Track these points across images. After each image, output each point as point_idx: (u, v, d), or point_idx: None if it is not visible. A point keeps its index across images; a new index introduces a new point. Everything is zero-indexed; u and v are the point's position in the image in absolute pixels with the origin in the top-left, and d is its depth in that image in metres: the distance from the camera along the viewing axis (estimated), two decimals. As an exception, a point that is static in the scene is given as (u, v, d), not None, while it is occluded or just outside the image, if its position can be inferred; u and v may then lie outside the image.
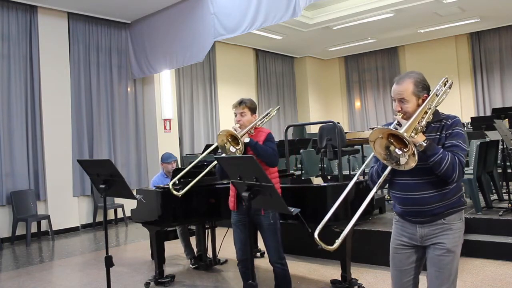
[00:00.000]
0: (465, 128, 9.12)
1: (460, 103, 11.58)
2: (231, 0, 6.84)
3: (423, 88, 2.17)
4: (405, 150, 1.95)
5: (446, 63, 11.61)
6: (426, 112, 2.10)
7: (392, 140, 1.99)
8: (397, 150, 1.99)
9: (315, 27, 10.01)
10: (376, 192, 2.24)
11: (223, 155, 3.23)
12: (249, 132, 3.26)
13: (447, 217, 2.16)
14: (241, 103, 3.34)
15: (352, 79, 13.66)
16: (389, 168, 2.12)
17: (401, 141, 1.96)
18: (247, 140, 3.18)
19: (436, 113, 2.19)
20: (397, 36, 11.36)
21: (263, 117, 3.65)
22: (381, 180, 2.16)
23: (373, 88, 13.17)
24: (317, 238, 2.00)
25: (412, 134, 2.00)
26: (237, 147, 3.14)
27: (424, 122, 2.09)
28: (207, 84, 10.62)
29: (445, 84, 2.29)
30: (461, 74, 11.68)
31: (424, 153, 2.04)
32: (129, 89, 8.82)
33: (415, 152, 1.91)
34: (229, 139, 3.18)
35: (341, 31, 10.48)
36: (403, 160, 1.96)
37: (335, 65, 13.97)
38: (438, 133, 2.15)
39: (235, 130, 3.23)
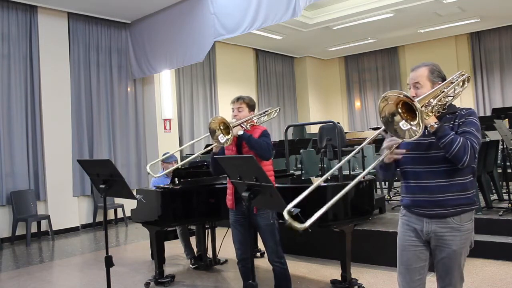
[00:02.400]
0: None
1: (460, 103, 11.53)
2: (231, 0, 6.84)
3: (438, 75, 2.19)
4: (412, 123, 1.91)
5: (446, 63, 11.58)
6: (438, 95, 2.08)
7: (400, 110, 1.95)
8: (401, 123, 1.94)
9: (315, 27, 10.01)
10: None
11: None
12: (244, 127, 3.26)
13: (457, 216, 2.12)
14: (239, 98, 3.37)
15: (352, 79, 13.66)
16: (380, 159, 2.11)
17: (410, 113, 1.92)
18: (240, 132, 3.18)
19: (451, 106, 2.20)
20: (397, 36, 11.36)
21: (261, 115, 3.63)
22: (382, 157, 2.13)
23: (373, 88, 13.16)
24: (287, 215, 1.92)
25: (424, 116, 1.96)
26: (227, 137, 3.12)
27: (435, 102, 2.05)
28: (207, 84, 10.62)
29: (462, 76, 2.28)
30: (461, 74, 11.68)
31: (435, 134, 2.02)
32: (129, 89, 8.82)
33: (422, 124, 1.85)
34: (221, 127, 3.16)
35: (341, 31, 10.48)
36: (407, 133, 1.92)
37: (335, 65, 13.97)
38: (452, 122, 2.14)
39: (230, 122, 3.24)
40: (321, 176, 6.64)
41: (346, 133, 7.29)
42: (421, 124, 1.86)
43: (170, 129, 9.21)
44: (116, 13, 8.19)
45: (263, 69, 12.26)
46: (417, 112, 1.86)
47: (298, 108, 13.29)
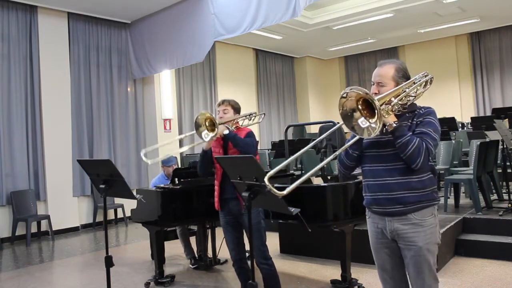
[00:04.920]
0: (465, 128, 9.12)
1: (460, 103, 11.58)
2: (231, 0, 6.84)
3: (403, 75, 2.19)
4: (371, 120, 1.91)
5: (446, 63, 11.61)
6: (399, 94, 2.07)
7: (360, 107, 1.94)
8: (360, 120, 1.94)
9: (315, 27, 10.02)
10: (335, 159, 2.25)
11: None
12: (229, 127, 3.28)
13: (417, 211, 2.11)
14: (224, 101, 3.40)
15: (352, 79, 13.66)
16: (353, 140, 2.13)
17: (370, 111, 1.92)
18: (226, 131, 3.20)
19: (412, 105, 2.20)
20: (397, 36, 11.36)
21: (245, 116, 3.63)
22: (344, 148, 2.17)
23: (373, 88, 13.15)
24: (267, 182, 1.93)
25: (384, 114, 1.97)
26: (211, 134, 3.15)
27: (395, 101, 2.04)
28: (207, 84, 10.62)
29: (425, 76, 2.28)
30: (461, 74, 11.69)
31: (393, 134, 2.03)
32: (129, 89, 8.82)
33: (380, 122, 1.86)
34: (207, 123, 3.19)
35: (341, 31, 10.48)
36: (365, 131, 1.93)
37: (335, 65, 13.97)
38: (410, 121, 2.14)
39: None
40: (321, 176, 6.63)
41: (346, 133, 7.28)
42: (378, 123, 1.86)
43: (170, 129, 9.21)
44: (116, 13, 8.19)
45: (263, 69, 12.26)
46: (376, 110, 1.86)
47: (298, 108, 13.28)
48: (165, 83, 9.16)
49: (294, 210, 2.97)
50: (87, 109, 8.09)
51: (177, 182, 4.53)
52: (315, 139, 2.43)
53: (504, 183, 5.66)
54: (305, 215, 3.45)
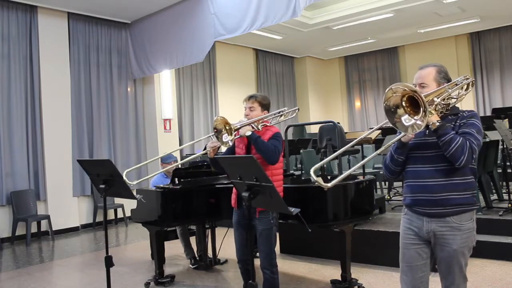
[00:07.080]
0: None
1: (460, 103, 11.56)
2: (231, 0, 6.84)
3: (444, 77, 2.23)
4: (415, 117, 1.94)
5: (446, 63, 11.42)
6: (442, 94, 2.12)
7: (404, 104, 1.98)
8: (404, 118, 1.98)
9: (315, 27, 10.01)
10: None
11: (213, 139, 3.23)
12: (255, 127, 3.18)
13: (456, 215, 2.13)
14: (251, 97, 3.27)
15: (352, 79, 13.67)
16: (395, 139, 2.16)
17: (414, 108, 1.96)
18: (248, 133, 3.10)
19: (454, 108, 2.25)
20: (397, 36, 11.36)
21: (274, 115, 3.49)
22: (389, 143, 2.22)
23: (373, 88, 13.17)
24: (313, 174, 1.99)
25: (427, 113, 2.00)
26: (229, 137, 3.07)
27: (438, 100, 2.09)
28: (207, 84, 10.62)
29: (466, 79, 2.32)
30: (461, 74, 11.40)
31: (436, 132, 2.06)
32: (129, 89, 8.82)
33: (424, 119, 1.89)
34: (227, 127, 3.11)
35: (341, 31, 10.48)
36: (409, 128, 1.97)
37: (335, 65, 13.97)
38: (453, 123, 2.18)
39: (240, 121, 3.20)
40: (321, 176, 6.63)
41: (346, 133, 7.28)
42: (423, 118, 1.89)
43: (170, 129, 9.21)
44: (116, 13, 8.19)
45: (263, 69, 12.26)
46: (421, 106, 1.89)
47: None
48: (165, 83, 9.16)
49: (294, 210, 2.97)
50: (87, 109, 8.09)
51: (177, 182, 4.52)
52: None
53: (504, 183, 5.66)
54: (305, 215, 3.45)
